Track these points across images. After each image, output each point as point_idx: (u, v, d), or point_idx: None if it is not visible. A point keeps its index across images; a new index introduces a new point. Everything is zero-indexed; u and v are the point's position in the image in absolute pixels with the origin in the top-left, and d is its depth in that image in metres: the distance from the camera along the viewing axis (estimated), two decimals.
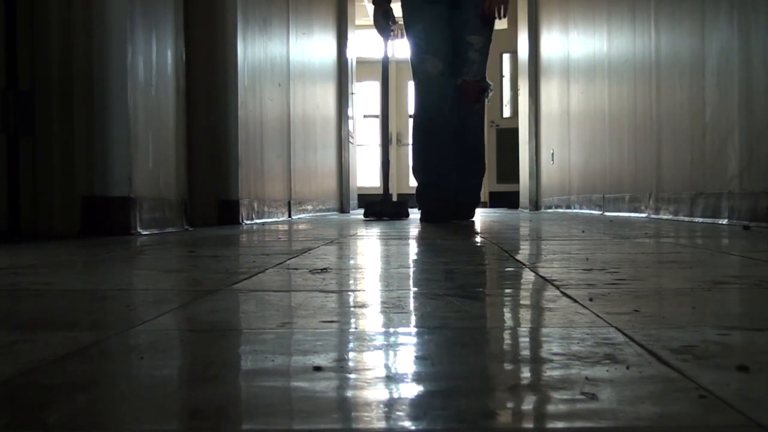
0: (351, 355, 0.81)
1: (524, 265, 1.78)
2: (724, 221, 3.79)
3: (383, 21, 5.33)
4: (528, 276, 1.55)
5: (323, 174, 7.88)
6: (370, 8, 11.75)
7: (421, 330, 0.96)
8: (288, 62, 6.07)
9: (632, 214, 5.41)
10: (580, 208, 7.16)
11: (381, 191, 5.91)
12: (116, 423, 0.60)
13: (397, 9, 5.27)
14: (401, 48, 13.25)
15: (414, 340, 0.89)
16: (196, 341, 0.91)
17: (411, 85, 14.29)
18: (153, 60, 3.41)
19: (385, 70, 5.86)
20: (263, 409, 0.62)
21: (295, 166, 6.28)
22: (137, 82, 3.24)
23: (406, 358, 0.80)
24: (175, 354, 0.85)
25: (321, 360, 0.77)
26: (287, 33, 6.05)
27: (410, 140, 5.25)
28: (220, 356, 0.81)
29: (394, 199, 11.02)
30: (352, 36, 9.60)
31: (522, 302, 1.19)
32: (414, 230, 3.62)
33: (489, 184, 11.36)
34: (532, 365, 0.77)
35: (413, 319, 1.04)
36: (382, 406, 0.62)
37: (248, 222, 4.65)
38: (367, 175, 12.56)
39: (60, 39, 3.14)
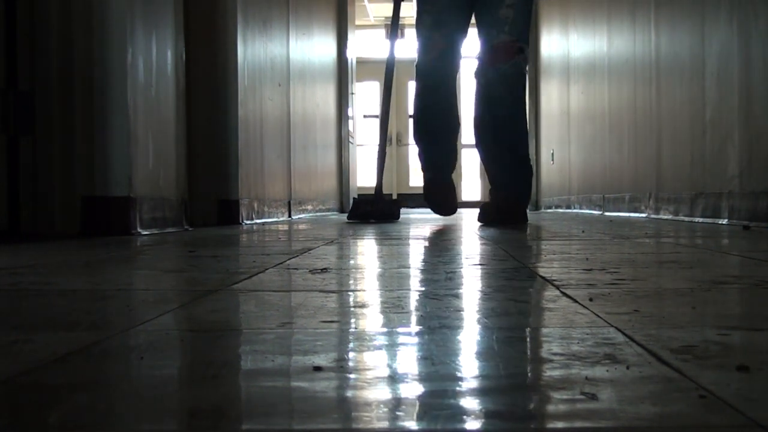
0: (351, 355, 0.81)
1: (524, 264, 1.78)
2: (724, 221, 3.79)
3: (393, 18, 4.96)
4: (528, 276, 1.55)
5: (323, 174, 7.88)
6: (371, 8, 11.76)
7: (421, 330, 0.96)
8: (288, 62, 6.07)
9: (632, 214, 5.41)
10: (580, 208, 7.16)
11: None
12: (116, 423, 0.60)
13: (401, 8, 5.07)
14: (401, 48, 13.27)
15: (414, 340, 0.89)
16: (196, 341, 0.91)
17: (411, 85, 14.27)
18: (153, 60, 3.41)
19: (391, 55, 5.11)
20: (263, 409, 0.62)
21: (295, 165, 6.28)
22: (137, 82, 3.24)
23: (406, 358, 0.80)
24: (175, 354, 0.85)
25: (321, 360, 0.77)
26: (287, 33, 6.05)
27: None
28: (220, 356, 0.81)
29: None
30: (352, 36, 9.61)
31: (522, 302, 1.19)
32: (414, 231, 3.62)
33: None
34: (532, 365, 0.77)
35: (413, 319, 1.04)
36: (382, 406, 0.62)
37: (248, 222, 4.65)
38: (367, 175, 12.57)
39: (60, 39, 3.14)
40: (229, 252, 2.31)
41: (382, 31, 12.75)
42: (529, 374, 0.73)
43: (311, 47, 7.27)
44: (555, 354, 0.79)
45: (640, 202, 5.31)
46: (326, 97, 8.24)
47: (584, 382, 0.68)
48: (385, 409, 0.61)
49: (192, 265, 1.87)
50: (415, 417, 0.59)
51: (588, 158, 6.99)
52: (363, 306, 1.16)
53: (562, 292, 1.25)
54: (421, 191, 4.76)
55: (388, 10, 5.25)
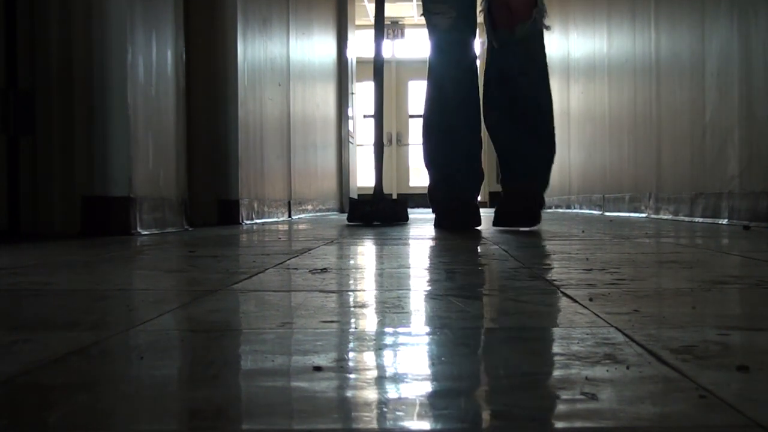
0: (351, 355, 0.81)
1: (524, 264, 1.78)
2: (724, 221, 3.79)
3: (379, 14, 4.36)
4: (528, 276, 1.55)
5: (323, 174, 7.88)
6: (370, 8, 11.76)
7: (421, 330, 0.95)
8: (288, 62, 6.07)
9: (632, 214, 5.41)
10: (580, 208, 7.16)
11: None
12: (116, 423, 0.60)
13: (396, 9, 4.97)
14: (400, 48, 13.28)
15: (414, 340, 0.89)
16: (196, 341, 0.91)
17: (411, 85, 14.24)
18: (153, 60, 3.41)
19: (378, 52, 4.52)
20: (263, 409, 0.62)
21: (295, 166, 6.28)
22: (137, 82, 3.24)
23: (406, 358, 0.80)
24: (175, 354, 0.85)
25: (321, 360, 0.77)
26: (287, 33, 6.05)
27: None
28: (220, 356, 0.81)
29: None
30: (352, 36, 9.61)
31: (522, 302, 1.19)
32: (414, 231, 3.62)
33: (488, 183, 11.35)
34: (532, 365, 0.77)
35: (413, 319, 1.04)
36: (382, 406, 0.62)
37: (248, 222, 4.65)
38: (367, 175, 12.57)
39: (60, 39, 3.14)
40: (229, 252, 2.31)
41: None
42: (530, 374, 0.73)
43: (311, 47, 7.28)
44: (555, 354, 0.79)
45: (640, 202, 5.31)
46: (326, 97, 8.24)
47: (584, 382, 0.68)
48: (385, 409, 0.61)
49: (192, 265, 1.87)
50: (415, 417, 0.59)
51: (588, 158, 6.99)
52: (363, 306, 1.16)
53: (562, 292, 1.25)
54: (422, 191, 4.39)
55: (388, 10, 5.15)
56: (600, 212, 6.36)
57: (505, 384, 0.69)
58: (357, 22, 10.74)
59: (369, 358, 0.80)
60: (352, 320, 1.04)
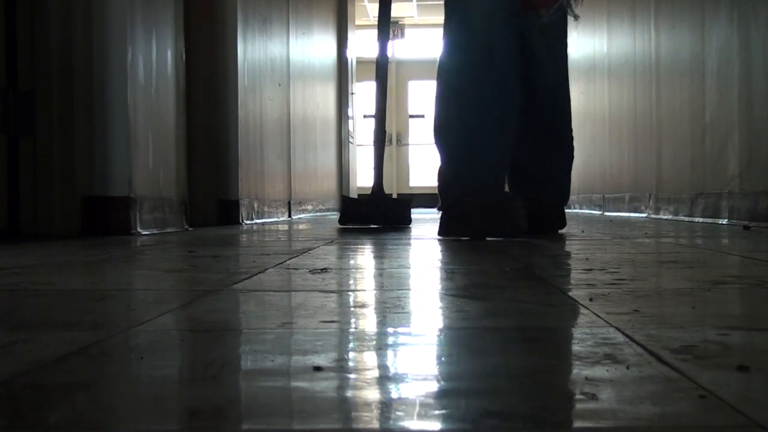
0: (351, 355, 0.81)
1: (524, 264, 1.78)
2: (724, 221, 3.79)
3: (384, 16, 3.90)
4: (528, 276, 1.55)
5: (323, 174, 7.88)
6: (370, 8, 11.76)
7: (421, 330, 0.95)
8: (288, 62, 6.07)
9: (632, 214, 5.41)
10: (580, 208, 7.16)
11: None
12: (116, 423, 0.60)
13: (396, 8, 4.91)
14: (400, 48, 13.27)
15: (414, 339, 0.89)
16: (196, 341, 0.91)
17: (411, 85, 14.23)
18: (153, 60, 3.41)
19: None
20: (263, 409, 0.62)
21: (295, 166, 6.28)
22: (137, 82, 3.24)
23: (406, 358, 0.80)
24: (175, 354, 0.85)
25: (321, 360, 0.77)
26: (287, 33, 6.05)
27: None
28: (220, 356, 0.81)
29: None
30: (352, 36, 9.60)
31: (522, 302, 1.19)
32: (414, 230, 3.61)
33: None
34: (532, 365, 0.77)
35: (413, 318, 1.04)
36: (382, 406, 0.62)
37: (248, 222, 4.65)
38: (367, 175, 12.56)
39: (60, 39, 3.14)
40: (229, 252, 2.31)
41: None
42: (530, 374, 0.73)
43: (311, 47, 7.28)
44: (555, 354, 0.79)
45: (640, 202, 5.31)
46: (326, 97, 8.24)
47: (584, 382, 0.68)
48: (385, 410, 0.61)
49: (192, 265, 1.87)
50: (415, 417, 0.59)
51: (588, 158, 6.99)
52: (363, 306, 1.16)
53: (562, 292, 1.25)
54: (422, 191, 4.14)
55: None
56: (600, 212, 6.36)
57: (505, 384, 0.69)
58: (357, 22, 10.74)
59: (369, 358, 0.80)
60: (352, 320, 1.04)
